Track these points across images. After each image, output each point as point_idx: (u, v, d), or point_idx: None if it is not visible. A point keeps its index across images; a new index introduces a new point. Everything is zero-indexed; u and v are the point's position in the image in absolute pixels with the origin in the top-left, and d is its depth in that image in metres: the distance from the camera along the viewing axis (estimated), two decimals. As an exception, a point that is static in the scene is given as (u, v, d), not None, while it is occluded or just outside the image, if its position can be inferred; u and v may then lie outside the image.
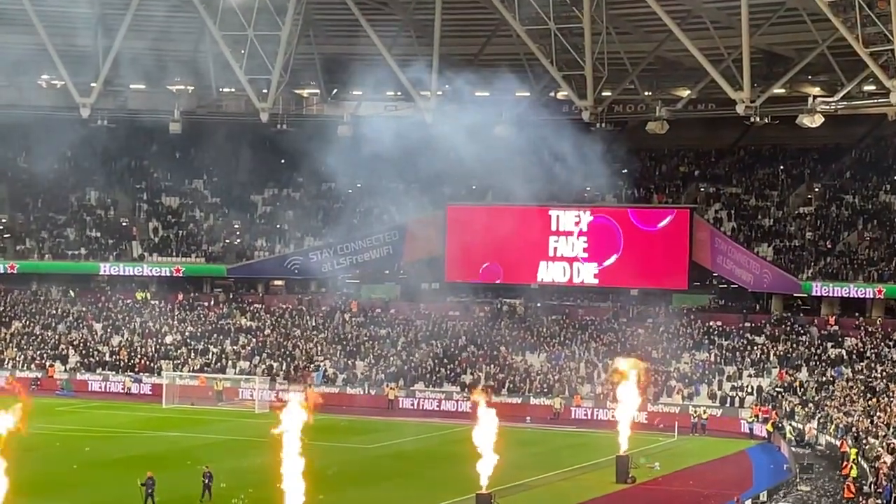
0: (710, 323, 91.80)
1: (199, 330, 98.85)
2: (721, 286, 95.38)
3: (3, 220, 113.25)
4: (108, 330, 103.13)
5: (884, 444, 57.85)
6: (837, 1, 75.31)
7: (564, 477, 59.00)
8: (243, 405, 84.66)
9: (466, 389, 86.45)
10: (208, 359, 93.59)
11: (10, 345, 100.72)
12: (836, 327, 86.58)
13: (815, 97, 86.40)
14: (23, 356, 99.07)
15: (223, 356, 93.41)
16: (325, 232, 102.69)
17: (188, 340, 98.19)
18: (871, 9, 75.84)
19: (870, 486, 50.98)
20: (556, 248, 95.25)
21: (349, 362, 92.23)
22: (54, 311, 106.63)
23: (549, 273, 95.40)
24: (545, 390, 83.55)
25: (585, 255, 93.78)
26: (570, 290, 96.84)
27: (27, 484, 55.02)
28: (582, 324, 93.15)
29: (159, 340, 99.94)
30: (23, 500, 51.29)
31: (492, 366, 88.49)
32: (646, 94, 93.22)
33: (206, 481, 51.99)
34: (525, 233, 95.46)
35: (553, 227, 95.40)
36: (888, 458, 53.57)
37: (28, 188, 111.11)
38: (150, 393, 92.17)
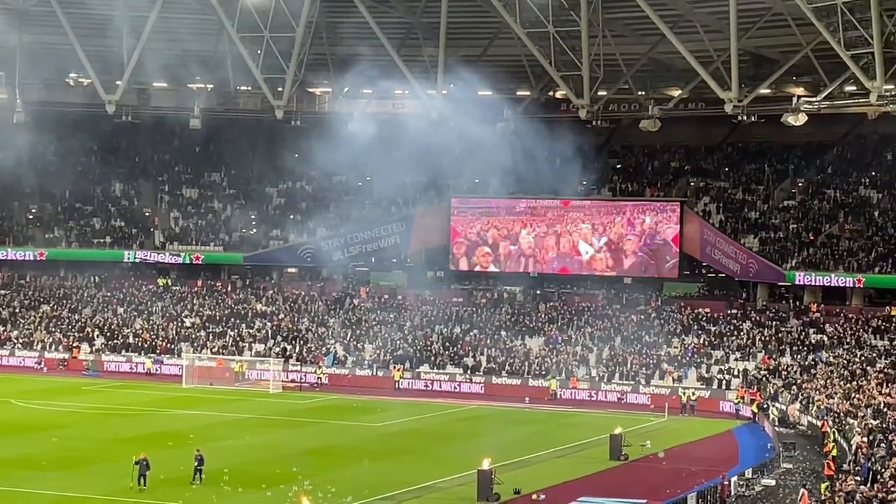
0: (699, 310, 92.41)
1: (217, 314, 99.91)
2: (709, 275, 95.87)
3: (34, 210, 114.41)
4: (132, 314, 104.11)
5: (862, 424, 58.57)
6: (821, 6, 75.84)
7: (561, 454, 59.27)
8: (259, 385, 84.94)
9: (469, 371, 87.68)
10: (226, 341, 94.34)
11: (39, 328, 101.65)
12: (817, 314, 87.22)
13: (799, 97, 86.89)
14: (51, 338, 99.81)
15: (240, 339, 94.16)
16: (336, 223, 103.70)
17: (207, 324, 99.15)
18: (853, 14, 76.59)
19: (849, 464, 51.07)
20: (555, 239, 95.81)
21: (358, 345, 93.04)
22: (81, 296, 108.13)
23: (548, 263, 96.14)
24: (542, 373, 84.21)
25: (583, 245, 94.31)
26: (566, 279, 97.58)
27: (53, 459, 55.98)
28: (578, 310, 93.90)
29: (180, 324, 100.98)
30: (51, 473, 52.31)
31: (493, 349, 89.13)
32: (639, 93, 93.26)
33: (197, 464, 51.69)
34: (525, 224, 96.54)
35: (551, 218, 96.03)
36: (865, 438, 54.42)
37: (57, 180, 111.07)
38: (171, 374, 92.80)
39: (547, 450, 60.13)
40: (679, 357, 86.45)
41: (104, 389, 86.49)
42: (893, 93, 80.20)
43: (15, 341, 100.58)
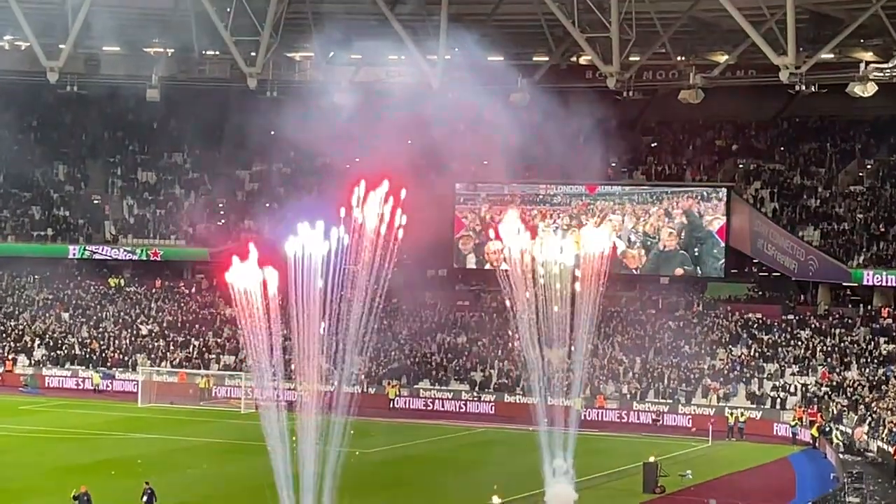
0: (749, 315, 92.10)
1: (179, 320, 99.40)
2: (761, 274, 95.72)
3: None
4: (78, 319, 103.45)
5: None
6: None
7: (587, 486, 57.86)
8: (228, 404, 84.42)
9: (477, 388, 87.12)
10: (189, 352, 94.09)
11: None
12: (889, 320, 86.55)
13: (867, 63, 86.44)
14: None
15: (206, 349, 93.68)
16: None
17: (167, 332, 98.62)
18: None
19: None
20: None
21: (344, 357, 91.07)
22: (17, 299, 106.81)
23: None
24: (564, 390, 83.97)
25: (610, 236, 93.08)
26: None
27: None
28: (606, 316, 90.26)
29: (134, 332, 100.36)
30: None
31: (504, 362, 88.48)
32: (678, 59, 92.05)
33: (146, 500, 50.50)
34: (544, 214, 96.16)
35: (574, 207, 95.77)
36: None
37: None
38: (124, 390, 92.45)
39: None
40: (725, 371, 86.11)
41: (44, 409, 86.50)
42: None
43: None
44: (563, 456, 57.23)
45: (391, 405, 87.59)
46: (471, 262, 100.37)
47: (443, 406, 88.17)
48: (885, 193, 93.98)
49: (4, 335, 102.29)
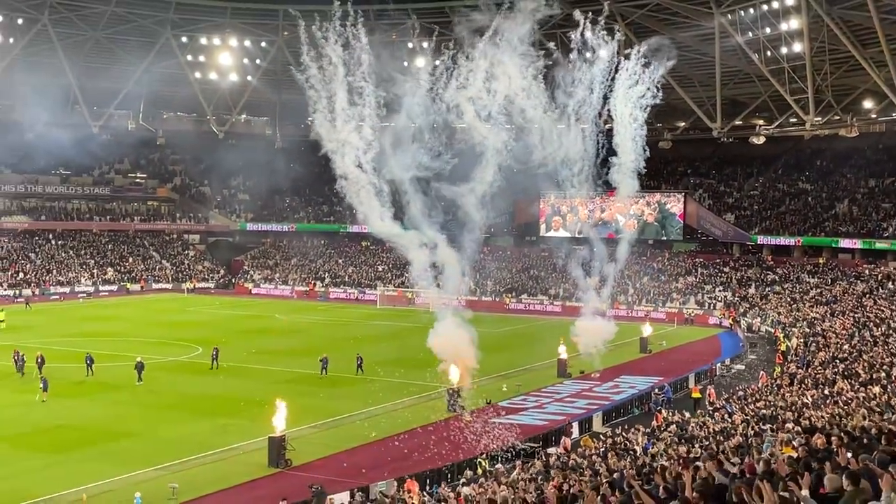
0: (696, 259, 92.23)
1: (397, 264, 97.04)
2: (703, 238, 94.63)
3: (287, 200, 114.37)
4: (347, 263, 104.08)
5: (800, 331, 60.46)
6: (775, 68, 77.12)
7: (609, 349, 57.89)
8: (422, 306, 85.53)
9: (551, 298, 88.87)
10: (402, 280, 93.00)
11: (291, 271, 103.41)
12: (771, 262, 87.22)
13: (759, 125, 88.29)
14: (297, 278, 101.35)
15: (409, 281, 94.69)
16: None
17: (392, 270, 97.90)
18: (795, 73, 77.63)
19: (791, 356, 52.56)
20: (609, 219, 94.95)
21: (483, 282, 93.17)
22: (316, 253, 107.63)
23: (597, 230, 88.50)
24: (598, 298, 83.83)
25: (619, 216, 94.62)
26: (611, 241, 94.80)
27: (298, 351, 58.28)
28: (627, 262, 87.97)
29: (376, 269, 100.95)
30: (298, 359, 54.73)
31: (566, 284, 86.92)
32: (658, 125, 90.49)
33: (359, 363, 50.54)
34: (583, 204, 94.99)
35: (599, 201, 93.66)
36: (802, 340, 56.39)
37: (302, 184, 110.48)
38: (370, 300, 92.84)
39: (600, 345, 57.42)
40: (683, 289, 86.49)
41: (329, 309, 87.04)
42: (820, 122, 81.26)
43: (277, 280, 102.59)
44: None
45: (506, 307, 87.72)
46: (544, 231, 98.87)
47: (534, 307, 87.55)
48: (769, 195, 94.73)
49: (311, 272, 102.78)
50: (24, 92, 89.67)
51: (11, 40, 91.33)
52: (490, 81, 52.54)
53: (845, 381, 38.13)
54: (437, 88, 53.88)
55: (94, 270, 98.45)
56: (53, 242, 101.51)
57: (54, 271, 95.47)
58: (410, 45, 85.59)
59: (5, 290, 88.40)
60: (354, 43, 49.94)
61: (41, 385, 43.25)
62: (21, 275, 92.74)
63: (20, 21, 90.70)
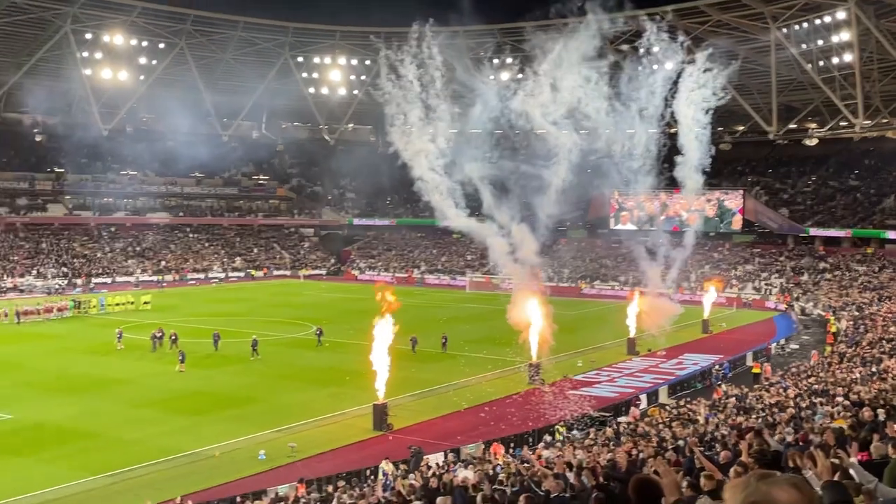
0: (754, 250, 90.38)
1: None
2: (761, 230, 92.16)
3: (388, 200, 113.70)
4: (433, 255, 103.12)
5: (848, 313, 59.35)
6: (827, 77, 75.23)
7: (676, 329, 57.63)
8: (500, 290, 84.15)
9: (621, 283, 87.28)
10: (487, 268, 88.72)
11: (392, 260, 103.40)
12: (823, 252, 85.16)
13: (811, 129, 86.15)
14: (396, 265, 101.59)
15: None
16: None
17: (481, 261, 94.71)
18: (846, 81, 75.60)
19: (841, 336, 52.17)
20: (673, 214, 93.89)
21: (560, 270, 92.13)
22: (413, 245, 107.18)
23: (662, 224, 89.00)
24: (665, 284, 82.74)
25: (688, 216, 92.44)
26: (676, 233, 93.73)
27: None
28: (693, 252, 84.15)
29: (466, 258, 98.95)
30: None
31: (635, 271, 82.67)
32: (718, 128, 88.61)
33: (444, 341, 49.44)
34: (648, 199, 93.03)
35: (662, 198, 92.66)
36: (851, 323, 55.20)
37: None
38: (460, 285, 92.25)
39: (668, 327, 56.55)
40: (742, 276, 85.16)
41: (425, 293, 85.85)
42: (869, 125, 79.19)
43: (379, 267, 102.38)
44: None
45: (581, 291, 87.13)
46: (612, 224, 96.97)
47: (605, 292, 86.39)
48: (820, 191, 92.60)
49: (409, 260, 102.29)
50: (165, 106, 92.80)
51: (154, 62, 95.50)
52: (559, 91, 53.06)
53: (891, 360, 37.39)
54: (511, 96, 54.98)
55: (224, 259, 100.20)
56: (190, 235, 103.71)
57: (191, 260, 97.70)
58: (490, 57, 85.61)
59: (150, 275, 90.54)
60: (430, 62, 51.33)
61: (179, 358, 44.48)
62: (163, 263, 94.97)
63: (161, 46, 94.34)
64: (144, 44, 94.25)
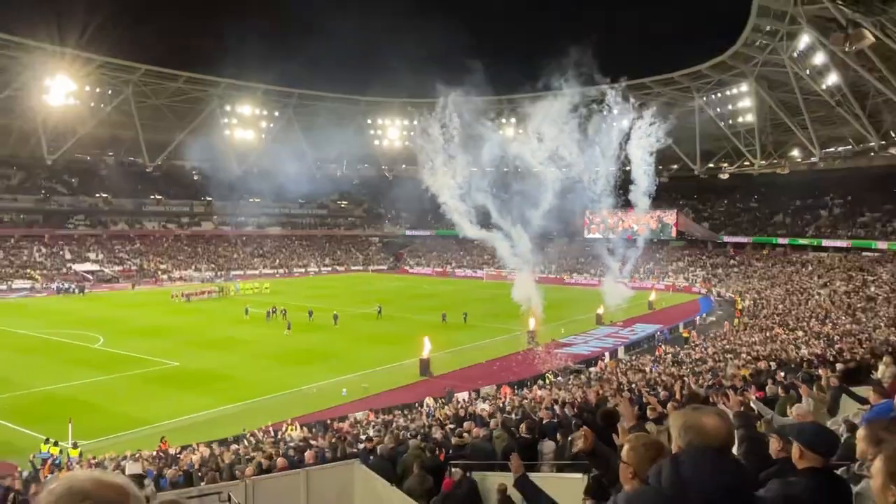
0: (684, 252, 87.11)
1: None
2: (689, 238, 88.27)
3: (429, 216, 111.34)
4: (465, 253, 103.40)
5: (750, 295, 58.28)
6: (734, 131, 73.36)
7: (629, 306, 54.93)
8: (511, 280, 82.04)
9: (592, 275, 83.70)
10: (499, 263, 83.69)
11: (432, 259, 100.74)
12: (732, 253, 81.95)
13: (724, 167, 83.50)
14: (435, 263, 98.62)
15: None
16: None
17: (493, 257, 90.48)
18: (747, 133, 73.99)
19: (745, 311, 51.22)
20: (627, 226, 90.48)
21: (549, 265, 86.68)
22: (441, 247, 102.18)
23: (624, 233, 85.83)
24: (622, 275, 79.84)
25: (638, 227, 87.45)
26: (631, 241, 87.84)
27: (433, 307, 55.91)
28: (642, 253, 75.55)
29: (482, 256, 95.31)
30: (432, 312, 53.67)
31: (601, 266, 78.54)
32: (659, 166, 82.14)
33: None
34: (611, 216, 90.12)
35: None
36: (751, 301, 54.32)
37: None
38: (479, 276, 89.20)
39: (622, 304, 54.59)
40: (675, 270, 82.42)
41: (456, 282, 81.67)
42: (764, 164, 77.29)
43: (423, 264, 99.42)
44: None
45: (563, 281, 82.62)
46: (586, 234, 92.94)
47: (581, 281, 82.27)
48: (731, 211, 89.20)
49: (444, 259, 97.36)
50: (278, 153, 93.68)
51: (271, 125, 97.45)
52: (543, 141, 54.41)
53: (779, 328, 36.95)
54: (510, 145, 56.97)
55: (318, 259, 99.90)
56: (295, 242, 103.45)
57: (295, 259, 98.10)
58: (494, 118, 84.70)
59: (269, 270, 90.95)
60: (449, 123, 53.02)
61: (287, 326, 44.96)
62: (276, 261, 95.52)
63: (276, 113, 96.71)
64: (265, 112, 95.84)
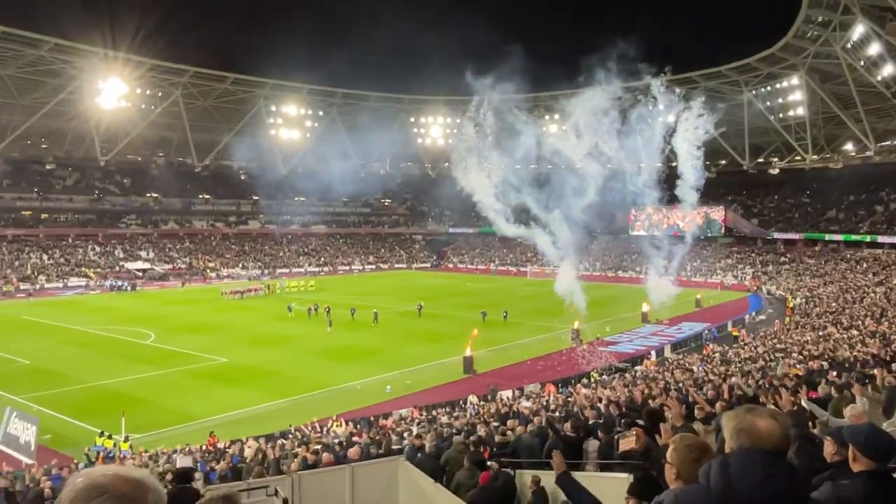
0: (732, 249, 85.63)
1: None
2: (737, 235, 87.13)
3: (473, 213, 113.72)
4: (526, 253, 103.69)
5: (801, 293, 56.99)
6: (784, 125, 71.43)
7: (676, 304, 55.42)
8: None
9: (637, 272, 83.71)
10: (544, 261, 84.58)
11: (475, 256, 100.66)
12: (783, 250, 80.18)
13: (774, 161, 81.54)
14: (478, 260, 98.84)
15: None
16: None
17: (536, 254, 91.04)
18: (798, 126, 72.05)
19: (797, 309, 49.88)
20: (673, 223, 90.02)
21: (594, 263, 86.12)
22: (484, 245, 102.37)
23: (670, 230, 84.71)
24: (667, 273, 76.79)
25: (679, 221, 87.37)
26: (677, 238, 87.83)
27: (474, 304, 55.84)
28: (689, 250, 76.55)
29: (525, 254, 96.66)
30: (473, 309, 53.87)
31: (646, 264, 77.26)
32: (706, 162, 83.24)
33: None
34: (656, 214, 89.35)
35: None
36: (803, 300, 53.00)
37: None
38: (524, 272, 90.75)
39: (667, 301, 54.62)
40: (724, 267, 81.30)
41: (498, 279, 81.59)
42: (817, 158, 75.20)
43: (466, 262, 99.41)
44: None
45: (608, 277, 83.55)
46: (631, 231, 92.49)
47: (624, 278, 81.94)
48: (781, 206, 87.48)
49: (487, 257, 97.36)
50: (323, 153, 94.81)
51: (316, 124, 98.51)
52: (585, 136, 53.76)
53: (833, 327, 36.02)
54: (552, 142, 56.38)
55: (362, 256, 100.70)
56: (339, 240, 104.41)
57: (340, 257, 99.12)
58: (536, 115, 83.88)
59: (314, 268, 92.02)
60: (488, 121, 52.90)
61: (329, 322, 45.36)
62: (322, 259, 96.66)
63: (320, 113, 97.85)
64: (310, 112, 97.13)
